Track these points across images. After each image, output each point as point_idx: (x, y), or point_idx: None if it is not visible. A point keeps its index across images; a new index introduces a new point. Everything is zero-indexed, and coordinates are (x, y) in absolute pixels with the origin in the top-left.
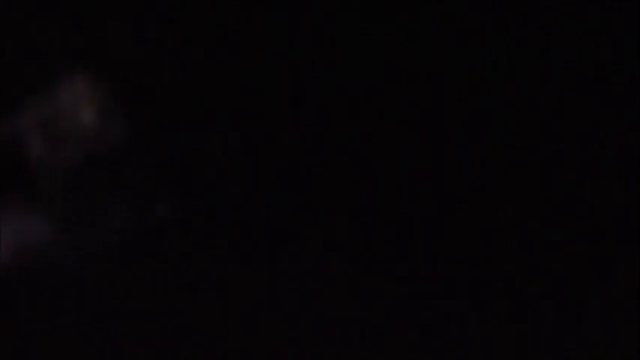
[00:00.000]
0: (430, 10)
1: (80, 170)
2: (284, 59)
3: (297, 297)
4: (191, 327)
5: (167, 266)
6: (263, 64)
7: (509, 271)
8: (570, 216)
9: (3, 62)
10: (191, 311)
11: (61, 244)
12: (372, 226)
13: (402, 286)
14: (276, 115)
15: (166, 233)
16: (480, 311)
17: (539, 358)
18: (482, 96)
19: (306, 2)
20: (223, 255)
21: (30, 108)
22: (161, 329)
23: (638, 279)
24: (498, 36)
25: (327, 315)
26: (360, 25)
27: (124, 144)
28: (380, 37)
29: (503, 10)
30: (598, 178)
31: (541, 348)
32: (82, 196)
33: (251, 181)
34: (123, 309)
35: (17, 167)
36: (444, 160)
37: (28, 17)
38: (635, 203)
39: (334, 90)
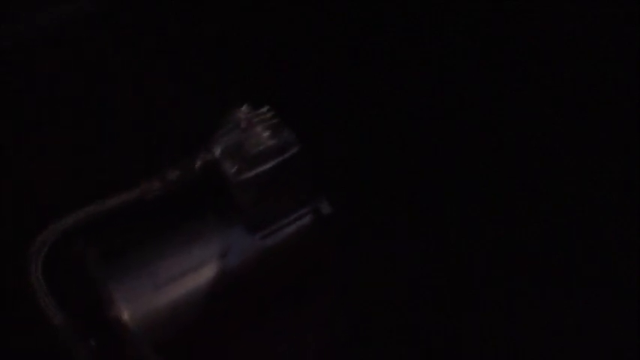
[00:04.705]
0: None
1: (264, 181)
2: None
3: None
4: None
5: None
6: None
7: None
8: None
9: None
10: None
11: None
12: None
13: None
14: None
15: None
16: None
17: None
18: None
19: None
20: None
21: (220, 138)
22: None
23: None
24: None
25: None
26: None
27: (293, 154)
28: None
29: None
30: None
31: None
32: (268, 203)
33: None
34: None
35: (218, 186)
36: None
37: None
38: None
39: None
